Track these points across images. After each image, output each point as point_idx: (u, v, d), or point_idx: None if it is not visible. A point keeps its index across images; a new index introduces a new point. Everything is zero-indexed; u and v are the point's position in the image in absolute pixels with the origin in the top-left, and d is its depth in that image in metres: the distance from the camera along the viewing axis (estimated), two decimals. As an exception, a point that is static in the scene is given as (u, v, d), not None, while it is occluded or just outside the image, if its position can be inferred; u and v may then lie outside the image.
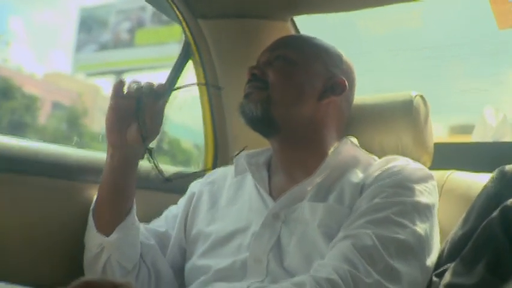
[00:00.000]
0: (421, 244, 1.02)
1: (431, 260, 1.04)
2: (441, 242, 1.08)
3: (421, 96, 1.36)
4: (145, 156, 1.15)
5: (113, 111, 1.14)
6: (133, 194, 1.21)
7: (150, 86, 1.13)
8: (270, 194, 1.22)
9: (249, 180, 1.28)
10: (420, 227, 1.03)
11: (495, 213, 0.88)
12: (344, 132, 1.30)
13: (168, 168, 1.52)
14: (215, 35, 1.68)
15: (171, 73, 1.68)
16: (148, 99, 1.12)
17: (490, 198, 1.00)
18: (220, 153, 1.76)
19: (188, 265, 1.24)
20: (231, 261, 1.14)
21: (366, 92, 1.43)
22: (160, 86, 1.14)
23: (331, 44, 1.33)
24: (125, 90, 1.14)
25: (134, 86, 1.13)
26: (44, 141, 1.30)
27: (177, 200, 1.38)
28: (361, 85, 1.36)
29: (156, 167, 1.16)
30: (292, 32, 1.70)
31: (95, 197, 1.24)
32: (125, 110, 1.13)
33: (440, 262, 1.02)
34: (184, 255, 1.29)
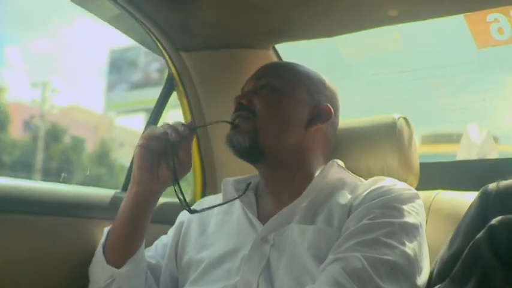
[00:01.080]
0: (411, 264, 1.02)
1: (422, 280, 1.04)
2: (430, 262, 1.08)
3: (405, 118, 1.38)
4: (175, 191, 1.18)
5: (144, 150, 1.17)
6: (146, 229, 1.23)
7: (177, 126, 1.16)
8: (258, 217, 1.23)
9: (237, 206, 1.28)
10: (409, 247, 1.03)
11: (482, 233, 0.89)
12: (330, 156, 1.31)
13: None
14: (198, 66, 1.69)
15: (156, 105, 1.69)
16: (178, 139, 1.15)
17: (476, 218, 1.01)
18: (208, 180, 1.76)
19: None
20: (222, 286, 1.14)
21: (349, 115, 1.45)
22: (188, 125, 1.17)
23: (314, 70, 1.34)
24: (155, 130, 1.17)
25: (163, 127, 1.16)
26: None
27: (167, 231, 1.38)
28: (344, 109, 1.37)
29: (185, 201, 1.18)
30: (275, 60, 1.72)
31: (105, 231, 1.25)
32: (155, 149, 1.16)
33: (431, 283, 1.02)
34: (175, 284, 1.29)
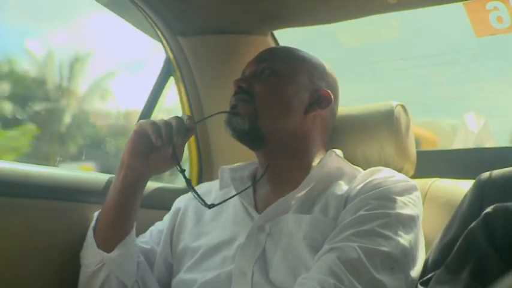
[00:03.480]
0: (406, 256, 1.02)
1: (416, 271, 1.04)
2: (426, 250, 1.09)
3: (402, 106, 1.37)
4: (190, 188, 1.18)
5: (138, 136, 1.17)
6: (136, 213, 1.23)
7: (180, 121, 1.15)
8: (255, 207, 1.23)
9: (234, 193, 1.28)
10: (405, 239, 1.03)
11: (477, 221, 0.89)
12: (328, 143, 1.31)
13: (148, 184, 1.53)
14: (195, 51, 1.68)
15: (152, 90, 1.68)
16: (181, 137, 1.15)
17: (472, 206, 1.01)
18: (204, 167, 1.76)
19: (175, 280, 1.24)
20: (216, 273, 1.14)
21: (347, 102, 1.45)
22: (190, 122, 1.17)
23: (316, 56, 1.34)
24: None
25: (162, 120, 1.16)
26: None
27: (162, 216, 1.38)
28: (342, 96, 1.37)
29: (197, 194, 1.18)
30: (273, 45, 1.71)
31: (94, 215, 1.25)
32: (148, 137, 1.15)
33: (425, 270, 1.02)
34: (170, 270, 1.29)
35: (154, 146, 1.16)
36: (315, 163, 1.24)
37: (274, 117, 1.23)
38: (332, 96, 1.27)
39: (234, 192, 1.27)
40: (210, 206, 1.17)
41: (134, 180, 1.20)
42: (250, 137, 1.23)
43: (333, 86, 1.32)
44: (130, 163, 1.18)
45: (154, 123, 1.15)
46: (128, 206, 1.20)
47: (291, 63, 1.28)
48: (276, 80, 1.25)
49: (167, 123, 1.15)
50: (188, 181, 1.16)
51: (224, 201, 1.21)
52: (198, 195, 1.18)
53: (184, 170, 1.17)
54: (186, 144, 1.66)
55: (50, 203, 1.27)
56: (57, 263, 1.26)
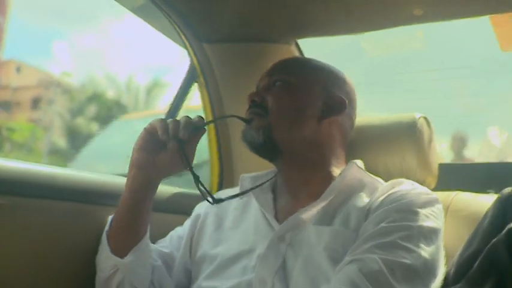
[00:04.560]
0: (427, 269, 1.02)
1: (437, 284, 1.03)
2: (447, 263, 1.08)
3: (425, 118, 1.37)
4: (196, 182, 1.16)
5: (147, 134, 1.16)
6: (149, 217, 1.22)
7: (189, 119, 1.14)
8: (276, 216, 1.22)
9: (255, 202, 1.27)
10: (426, 252, 1.02)
11: (501, 235, 0.88)
12: (349, 152, 1.31)
13: (169, 189, 1.54)
14: (220, 58, 1.69)
15: (176, 95, 1.70)
16: (188, 133, 1.13)
17: (495, 220, 1.01)
18: (225, 174, 1.77)
19: (194, 287, 1.24)
20: (236, 282, 1.14)
21: (370, 112, 1.44)
22: (199, 120, 1.15)
23: (328, 63, 1.33)
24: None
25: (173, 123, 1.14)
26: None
27: (183, 221, 1.38)
28: (365, 106, 1.37)
29: (207, 191, 1.16)
30: (297, 54, 1.71)
31: (108, 219, 1.25)
32: (156, 134, 1.14)
33: (447, 283, 1.02)
34: (189, 276, 1.29)
35: (163, 145, 1.14)
36: (335, 173, 1.24)
37: (288, 128, 1.23)
38: (346, 101, 1.26)
39: (254, 201, 1.27)
40: (217, 201, 1.17)
41: (144, 181, 1.18)
42: (266, 149, 1.24)
43: (348, 91, 1.30)
44: (138, 161, 1.16)
45: (163, 121, 1.14)
46: (139, 209, 1.19)
47: (302, 73, 1.28)
48: (287, 92, 1.25)
49: (176, 121, 1.14)
50: (196, 177, 1.15)
51: (231, 197, 1.21)
52: (206, 189, 1.16)
53: (192, 167, 1.15)
54: (209, 151, 1.68)
55: (69, 205, 1.26)
56: (75, 266, 1.25)
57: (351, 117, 1.32)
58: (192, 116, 1.18)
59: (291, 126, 1.23)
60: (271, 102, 1.24)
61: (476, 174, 1.68)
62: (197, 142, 1.18)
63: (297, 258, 1.11)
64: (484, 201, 1.25)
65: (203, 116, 1.63)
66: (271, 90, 1.26)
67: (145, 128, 1.17)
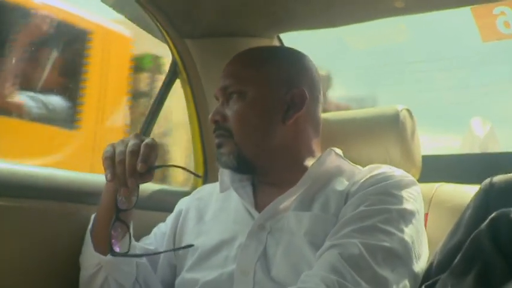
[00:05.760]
0: (408, 251, 1.03)
1: (420, 266, 1.04)
2: (430, 254, 1.09)
3: (408, 110, 1.37)
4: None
5: (107, 153, 1.13)
6: (130, 215, 1.20)
7: (133, 166, 1.10)
8: (256, 206, 1.22)
9: (235, 194, 1.28)
10: (406, 234, 1.03)
11: (484, 225, 0.88)
12: (332, 144, 1.30)
13: (151, 186, 1.53)
14: (202, 53, 1.68)
15: (158, 92, 1.69)
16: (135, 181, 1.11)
17: (478, 210, 1.01)
18: (209, 167, 1.76)
19: (177, 280, 1.24)
20: (218, 273, 1.14)
21: (352, 104, 1.45)
22: (142, 166, 1.10)
23: (286, 49, 1.33)
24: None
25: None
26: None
27: (166, 218, 1.38)
28: (347, 97, 1.37)
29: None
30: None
31: (92, 217, 1.24)
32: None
33: (430, 274, 1.02)
34: (174, 271, 1.29)
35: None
36: (313, 161, 1.24)
37: (255, 144, 1.23)
38: (305, 92, 1.24)
39: (234, 194, 1.27)
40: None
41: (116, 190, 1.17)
42: (242, 169, 1.25)
43: (309, 76, 1.28)
44: (107, 176, 1.14)
45: (109, 159, 1.11)
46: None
47: (257, 78, 1.25)
48: (244, 103, 1.23)
49: (121, 162, 1.10)
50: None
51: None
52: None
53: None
54: (192, 145, 1.67)
55: (52, 204, 1.26)
56: (60, 265, 1.25)
57: (317, 100, 1.29)
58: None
59: (257, 140, 1.23)
60: (232, 121, 1.23)
61: (460, 166, 1.69)
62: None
63: (278, 246, 1.12)
64: (468, 192, 1.25)
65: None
66: (229, 104, 1.25)
67: (105, 150, 1.14)
